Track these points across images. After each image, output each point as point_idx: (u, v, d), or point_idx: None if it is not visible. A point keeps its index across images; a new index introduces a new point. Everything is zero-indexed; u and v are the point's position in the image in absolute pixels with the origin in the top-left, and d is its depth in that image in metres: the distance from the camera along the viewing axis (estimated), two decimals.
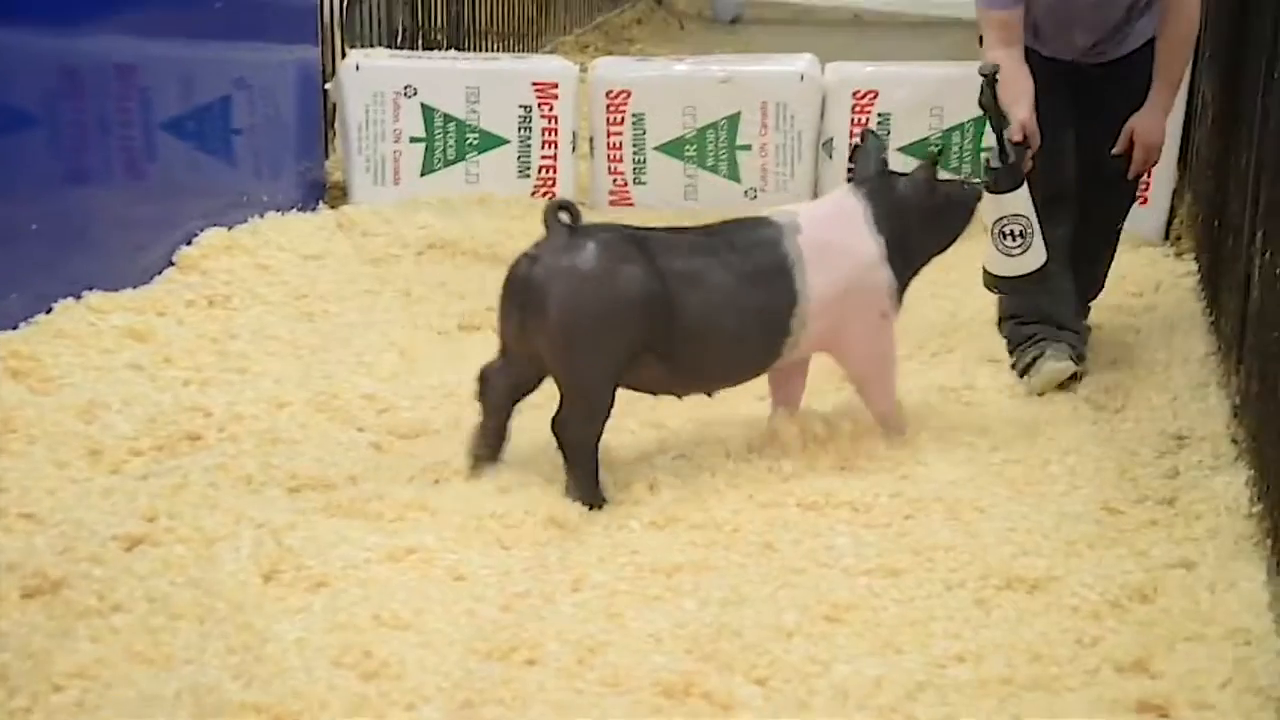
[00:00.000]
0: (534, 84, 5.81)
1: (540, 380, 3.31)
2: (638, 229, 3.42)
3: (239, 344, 4.20)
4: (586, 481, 3.25)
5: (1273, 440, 3.08)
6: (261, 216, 5.22)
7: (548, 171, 5.81)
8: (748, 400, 3.84)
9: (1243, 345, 3.72)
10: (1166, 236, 5.45)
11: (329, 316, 4.54)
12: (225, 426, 3.62)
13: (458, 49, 7.35)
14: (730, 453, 3.50)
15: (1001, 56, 3.79)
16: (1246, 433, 3.48)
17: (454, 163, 5.81)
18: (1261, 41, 3.77)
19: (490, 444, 3.35)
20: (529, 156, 5.80)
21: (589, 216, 5.58)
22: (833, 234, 3.43)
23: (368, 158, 5.77)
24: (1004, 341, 4.14)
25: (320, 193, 5.77)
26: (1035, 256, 3.73)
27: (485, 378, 3.35)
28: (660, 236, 3.38)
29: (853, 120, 5.80)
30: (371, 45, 6.56)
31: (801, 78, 5.82)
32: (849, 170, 4.02)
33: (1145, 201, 5.45)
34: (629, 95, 5.82)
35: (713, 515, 3.20)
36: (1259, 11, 3.93)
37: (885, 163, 3.60)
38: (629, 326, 3.21)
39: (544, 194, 5.76)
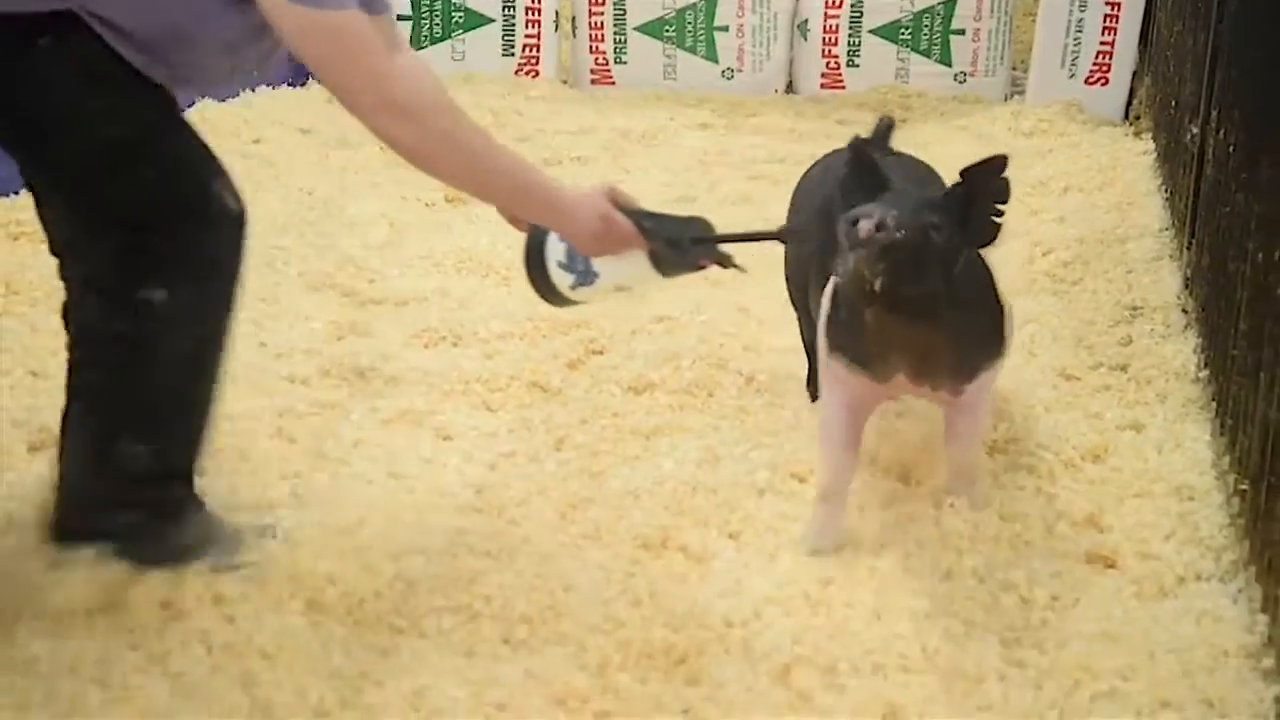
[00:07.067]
0: None
1: None
2: None
3: None
4: None
5: (1220, 310, 3.09)
6: (253, 90, 5.18)
7: (531, 50, 5.71)
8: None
9: (1195, 220, 3.71)
10: (1126, 116, 5.41)
11: (317, 189, 4.49)
12: None
13: None
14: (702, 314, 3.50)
15: None
16: (1196, 303, 3.49)
17: (440, 41, 5.70)
18: None
19: None
20: (513, 35, 5.70)
21: (572, 96, 5.61)
22: None
23: None
24: None
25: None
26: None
27: None
28: None
29: (827, 1, 5.71)
30: None
31: None
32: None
33: (1106, 83, 5.41)
34: None
35: (685, 379, 3.21)
36: None
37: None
38: None
39: (528, 73, 5.67)
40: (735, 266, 2.26)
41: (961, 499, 2.57)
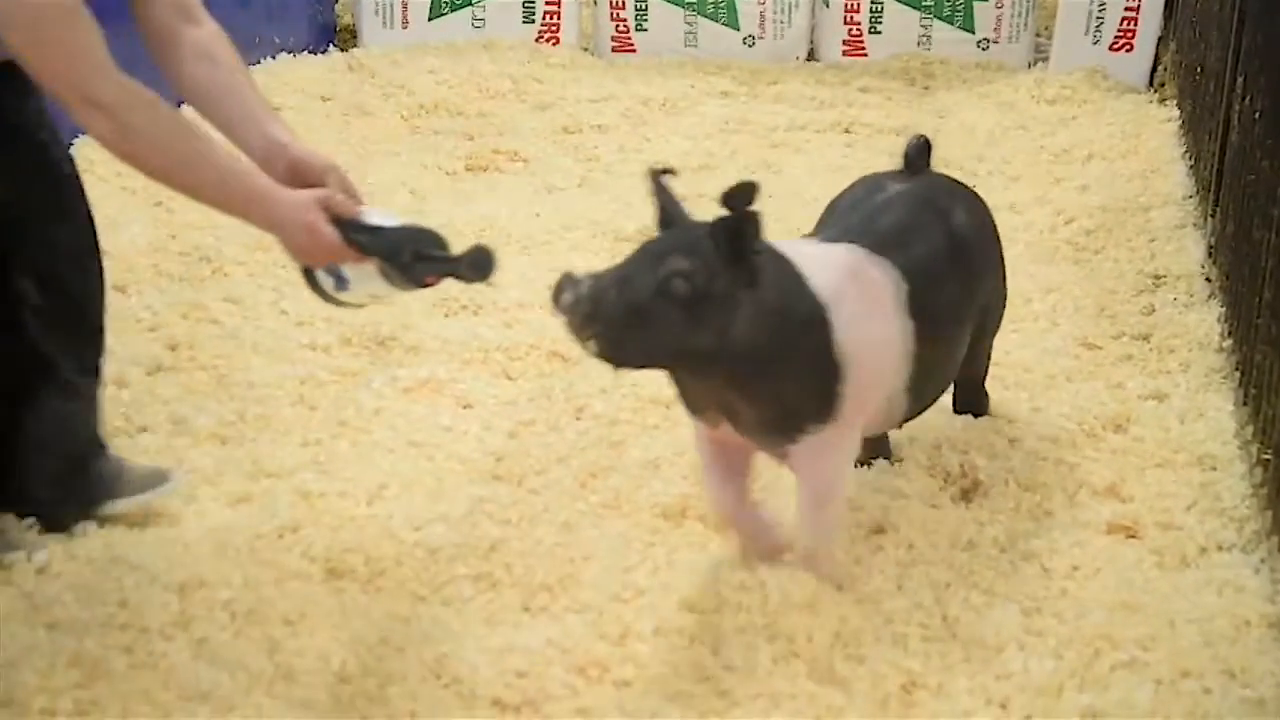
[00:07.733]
0: None
1: None
2: None
3: None
4: None
5: (1244, 279, 3.06)
6: (274, 58, 5.17)
7: (552, 17, 5.67)
8: None
9: (1220, 188, 3.68)
10: (1150, 83, 5.35)
11: (337, 156, 4.47)
12: (245, 258, 3.60)
13: None
14: None
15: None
16: (1220, 272, 3.46)
17: (460, 8, 5.67)
18: None
19: None
20: (534, 2, 5.66)
21: (593, 63, 5.59)
22: None
23: (377, 2, 5.64)
24: None
25: (330, 35, 5.66)
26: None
27: None
28: None
29: None
30: None
31: None
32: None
33: (1131, 49, 5.35)
34: None
35: None
36: None
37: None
38: None
39: (548, 40, 5.64)
40: (479, 280, 2.14)
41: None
